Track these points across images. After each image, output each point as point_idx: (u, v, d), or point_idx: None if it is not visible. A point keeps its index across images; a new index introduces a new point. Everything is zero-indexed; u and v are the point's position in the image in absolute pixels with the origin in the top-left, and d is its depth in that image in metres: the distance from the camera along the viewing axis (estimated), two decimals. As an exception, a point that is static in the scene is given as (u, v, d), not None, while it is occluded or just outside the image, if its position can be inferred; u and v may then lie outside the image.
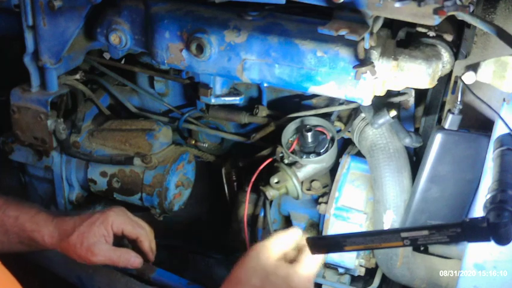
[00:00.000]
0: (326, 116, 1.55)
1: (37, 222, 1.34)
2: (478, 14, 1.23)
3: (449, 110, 1.28)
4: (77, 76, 1.63)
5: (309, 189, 1.59)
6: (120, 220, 1.35)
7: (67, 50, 1.49)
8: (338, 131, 1.56)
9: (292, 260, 1.15)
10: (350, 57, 1.29)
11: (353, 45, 1.27)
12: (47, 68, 1.50)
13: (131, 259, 1.35)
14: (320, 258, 1.16)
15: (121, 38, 1.47)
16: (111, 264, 1.35)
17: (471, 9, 1.05)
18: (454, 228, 0.98)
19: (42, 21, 1.44)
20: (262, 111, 1.63)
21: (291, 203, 1.66)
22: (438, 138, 1.31)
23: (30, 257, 1.61)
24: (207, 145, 1.81)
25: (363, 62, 1.26)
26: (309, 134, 1.47)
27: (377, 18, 1.17)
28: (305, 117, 1.54)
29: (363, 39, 1.18)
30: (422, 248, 1.52)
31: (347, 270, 1.64)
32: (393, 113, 1.41)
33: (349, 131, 1.57)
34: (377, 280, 1.63)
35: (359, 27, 1.13)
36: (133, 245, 1.41)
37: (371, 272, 1.64)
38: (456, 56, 1.36)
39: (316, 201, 1.60)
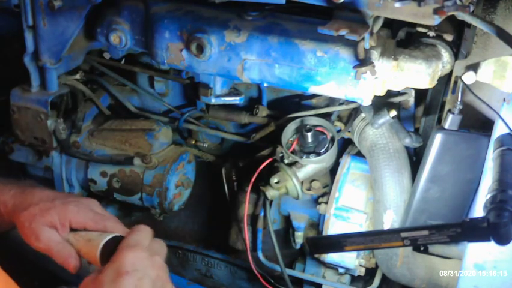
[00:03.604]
0: (326, 116, 1.55)
1: None
2: (478, 14, 1.23)
3: (449, 110, 1.28)
4: (77, 76, 1.63)
5: (309, 189, 1.59)
6: (81, 217, 1.18)
7: (67, 50, 1.49)
8: (338, 131, 1.56)
9: None
10: (350, 57, 1.29)
11: (353, 45, 1.27)
12: (47, 68, 1.50)
13: (67, 259, 1.16)
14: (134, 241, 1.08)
15: (121, 38, 1.47)
16: (50, 256, 1.19)
17: (471, 9, 1.05)
18: (454, 228, 0.98)
19: (42, 21, 1.44)
20: (262, 111, 1.63)
21: (291, 203, 1.66)
22: (438, 138, 1.31)
23: (30, 257, 1.61)
24: (207, 145, 1.81)
25: (363, 62, 1.26)
26: (309, 134, 1.47)
27: (377, 18, 1.17)
28: (305, 117, 1.54)
29: (363, 39, 1.18)
30: (422, 248, 1.52)
31: (347, 270, 1.64)
32: (393, 113, 1.41)
33: (349, 131, 1.57)
34: (377, 280, 1.63)
35: (359, 27, 1.13)
36: None
37: (371, 272, 1.64)
38: (456, 56, 1.36)
39: (316, 201, 1.61)
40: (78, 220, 1.17)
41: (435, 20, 1.06)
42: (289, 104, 1.65)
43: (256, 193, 1.62)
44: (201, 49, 1.38)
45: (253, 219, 1.65)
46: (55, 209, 1.17)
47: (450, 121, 1.28)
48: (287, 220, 1.71)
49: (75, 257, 1.17)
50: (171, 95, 1.78)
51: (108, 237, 1.11)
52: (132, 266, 1.02)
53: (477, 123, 1.31)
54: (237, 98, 1.56)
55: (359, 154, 1.57)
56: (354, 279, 1.70)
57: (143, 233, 1.12)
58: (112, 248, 1.08)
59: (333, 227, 1.52)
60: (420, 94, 1.51)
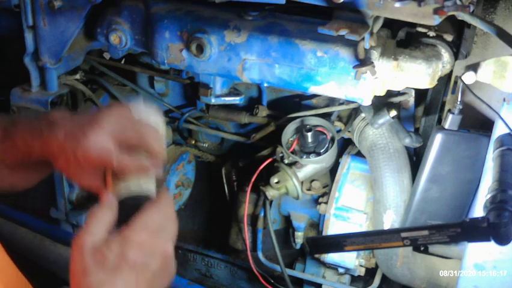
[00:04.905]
0: (326, 116, 1.55)
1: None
2: (478, 14, 1.23)
3: (449, 110, 1.28)
4: (77, 76, 1.63)
5: (309, 189, 1.59)
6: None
7: (67, 50, 1.49)
8: (338, 131, 1.56)
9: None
10: (350, 57, 1.29)
11: (353, 45, 1.27)
12: (47, 68, 1.51)
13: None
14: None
15: (121, 38, 1.47)
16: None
17: (471, 9, 1.05)
18: (454, 228, 0.98)
19: (43, 21, 1.44)
20: (262, 111, 1.63)
21: (291, 203, 1.66)
22: (438, 138, 1.31)
23: (31, 257, 1.61)
24: (207, 145, 1.81)
25: (363, 62, 1.26)
26: (309, 134, 1.47)
27: (377, 18, 1.17)
28: (305, 117, 1.54)
29: (363, 39, 1.18)
30: (422, 248, 1.52)
31: (347, 270, 1.64)
32: (393, 113, 1.41)
33: (349, 131, 1.57)
34: (377, 280, 1.63)
35: (359, 27, 1.13)
36: None
37: (371, 272, 1.64)
38: (456, 56, 1.36)
39: (316, 201, 1.61)
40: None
41: (435, 20, 1.06)
42: (289, 104, 1.65)
43: (256, 193, 1.62)
44: (201, 49, 1.38)
45: (253, 219, 1.65)
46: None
47: (450, 121, 1.28)
48: (287, 220, 1.71)
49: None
50: (171, 95, 1.78)
51: (123, 197, 1.01)
52: (135, 256, 0.90)
53: (477, 123, 1.31)
54: (237, 98, 1.56)
55: (359, 154, 1.57)
56: (354, 279, 1.70)
57: (162, 213, 0.95)
58: (130, 206, 0.95)
59: (333, 227, 1.52)
60: (420, 94, 1.51)
